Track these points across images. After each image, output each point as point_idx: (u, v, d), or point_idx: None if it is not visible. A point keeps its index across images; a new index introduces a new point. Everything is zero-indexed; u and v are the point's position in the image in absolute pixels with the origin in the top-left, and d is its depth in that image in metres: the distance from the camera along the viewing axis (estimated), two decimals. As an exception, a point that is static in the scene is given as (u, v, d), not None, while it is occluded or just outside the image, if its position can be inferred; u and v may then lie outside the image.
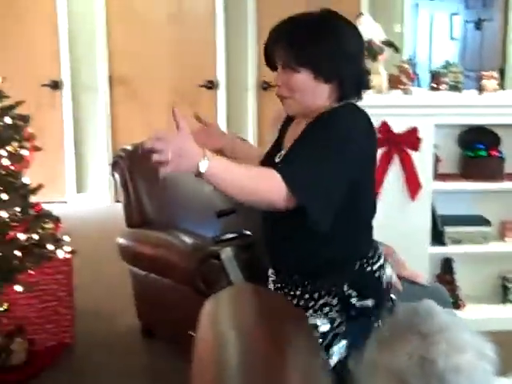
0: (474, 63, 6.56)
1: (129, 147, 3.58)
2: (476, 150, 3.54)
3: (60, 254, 3.30)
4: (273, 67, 1.93)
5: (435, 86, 3.62)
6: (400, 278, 2.31)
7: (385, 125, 3.38)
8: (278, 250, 1.98)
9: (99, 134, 6.27)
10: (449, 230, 3.52)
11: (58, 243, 3.33)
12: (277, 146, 2.02)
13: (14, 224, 3.15)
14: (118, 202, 5.70)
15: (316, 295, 1.89)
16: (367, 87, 1.95)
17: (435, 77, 3.65)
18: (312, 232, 1.74)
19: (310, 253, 1.89)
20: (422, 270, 3.01)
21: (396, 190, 3.37)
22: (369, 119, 1.89)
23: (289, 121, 2.03)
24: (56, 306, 3.32)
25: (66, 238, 3.36)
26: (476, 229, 3.56)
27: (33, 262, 3.17)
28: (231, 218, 2.99)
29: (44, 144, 3.39)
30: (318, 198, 1.69)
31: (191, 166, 1.53)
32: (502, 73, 5.35)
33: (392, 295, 2.07)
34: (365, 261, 1.93)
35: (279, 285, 1.98)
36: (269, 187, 1.65)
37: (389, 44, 3.74)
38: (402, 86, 3.58)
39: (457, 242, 3.53)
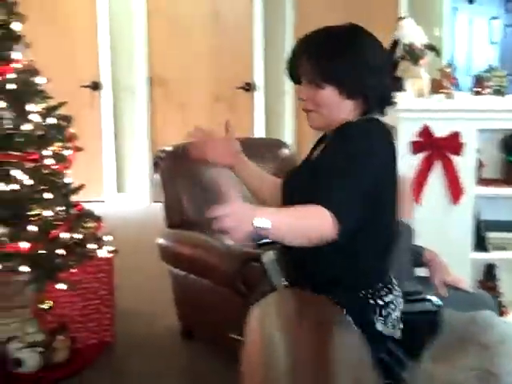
0: (514, 67, 6.47)
1: (169, 148, 3.59)
2: (519, 155, 3.50)
3: (101, 253, 3.35)
4: (295, 80, 1.94)
5: (478, 90, 3.58)
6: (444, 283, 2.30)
7: (426, 129, 3.35)
8: (291, 263, 1.97)
9: (138, 135, 6.33)
10: (491, 235, 3.47)
11: (100, 242, 3.37)
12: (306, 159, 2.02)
13: (57, 223, 3.20)
14: (156, 202, 5.75)
15: None
16: (391, 103, 1.93)
17: (478, 81, 3.62)
18: (329, 247, 1.69)
19: (326, 266, 1.85)
20: (464, 276, 2.98)
21: (438, 195, 3.34)
22: (391, 134, 1.88)
23: (324, 136, 2.01)
24: (97, 305, 3.36)
25: (108, 238, 3.40)
26: (519, 235, 3.51)
27: (75, 260, 3.22)
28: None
29: (83, 144, 3.45)
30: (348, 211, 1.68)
31: (249, 227, 1.55)
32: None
33: (436, 301, 2.05)
34: (370, 291, 1.87)
35: None
36: (320, 221, 1.64)
37: (430, 48, 3.71)
38: (445, 90, 3.55)
39: (500, 248, 3.48)
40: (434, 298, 2.12)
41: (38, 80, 3.25)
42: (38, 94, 3.24)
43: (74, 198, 3.37)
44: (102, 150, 6.33)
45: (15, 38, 3.18)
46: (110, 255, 3.39)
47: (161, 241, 3.45)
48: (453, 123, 3.35)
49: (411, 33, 3.69)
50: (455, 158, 3.35)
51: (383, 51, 1.92)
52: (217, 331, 3.14)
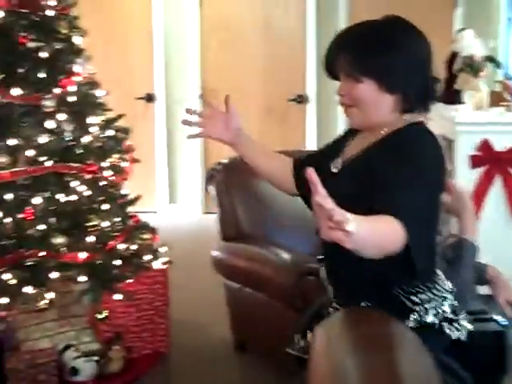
0: None
1: (225, 160, 3.60)
2: None
3: (156, 264, 3.37)
4: (333, 76, 1.86)
5: (540, 103, 3.51)
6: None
7: (486, 143, 3.30)
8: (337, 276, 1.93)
9: (190, 146, 6.37)
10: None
11: (155, 254, 3.40)
12: (333, 151, 1.95)
13: (114, 234, 3.23)
14: (208, 213, 5.78)
15: None
16: (435, 99, 1.83)
17: (539, 94, 3.54)
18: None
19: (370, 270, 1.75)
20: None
21: (498, 211, 3.28)
22: (439, 143, 1.81)
23: (354, 131, 1.95)
24: (152, 316, 3.38)
25: (163, 249, 3.43)
26: None
27: (131, 271, 3.25)
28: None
29: (136, 155, 3.50)
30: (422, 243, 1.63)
31: (347, 229, 1.39)
32: None
33: (503, 320, 2.00)
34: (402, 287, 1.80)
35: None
36: (395, 237, 1.57)
37: (491, 59, 3.65)
38: (505, 103, 3.49)
39: None
40: (499, 318, 2.06)
41: (97, 93, 3.30)
42: (98, 107, 3.29)
43: (127, 209, 3.41)
44: (155, 160, 6.40)
45: (76, 52, 3.25)
46: (165, 266, 3.41)
47: (215, 253, 3.45)
48: (514, 137, 3.30)
49: (471, 44, 3.64)
50: (516, 173, 3.29)
51: (427, 45, 1.80)
52: (270, 345, 3.12)
